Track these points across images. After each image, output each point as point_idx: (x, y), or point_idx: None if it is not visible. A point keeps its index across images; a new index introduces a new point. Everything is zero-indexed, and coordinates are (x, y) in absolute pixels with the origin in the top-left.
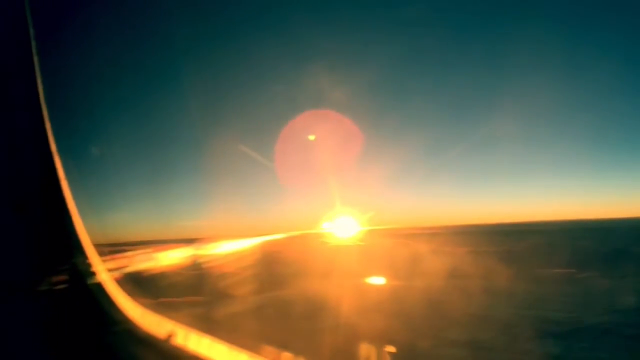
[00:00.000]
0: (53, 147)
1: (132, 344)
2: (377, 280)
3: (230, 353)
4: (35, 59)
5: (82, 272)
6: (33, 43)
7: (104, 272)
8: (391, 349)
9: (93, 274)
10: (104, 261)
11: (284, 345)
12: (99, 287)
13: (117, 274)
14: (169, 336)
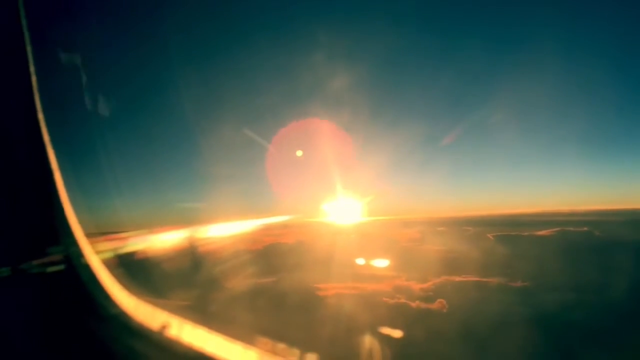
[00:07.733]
0: (46, 137)
1: (122, 332)
2: None
3: (225, 344)
4: (28, 48)
5: (71, 256)
6: (26, 33)
7: (95, 257)
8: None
9: (83, 257)
10: (95, 245)
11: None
12: (89, 271)
13: (108, 257)
14: (163, 327)
